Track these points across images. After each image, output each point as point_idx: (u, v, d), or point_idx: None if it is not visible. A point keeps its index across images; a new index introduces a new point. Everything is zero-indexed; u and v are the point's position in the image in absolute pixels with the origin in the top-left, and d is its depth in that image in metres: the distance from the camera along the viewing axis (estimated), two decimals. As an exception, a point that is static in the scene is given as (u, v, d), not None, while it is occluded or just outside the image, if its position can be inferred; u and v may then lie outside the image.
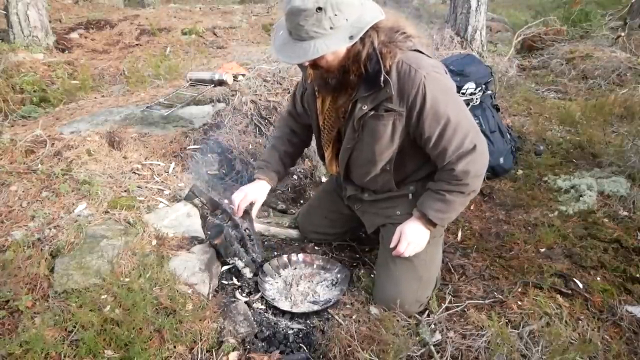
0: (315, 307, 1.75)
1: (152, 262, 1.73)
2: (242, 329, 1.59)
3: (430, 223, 1.66)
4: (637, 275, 1.90)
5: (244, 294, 1.80)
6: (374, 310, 1.71)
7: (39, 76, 4.08)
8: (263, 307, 1.76)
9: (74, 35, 5.80)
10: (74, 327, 1.45)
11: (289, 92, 3.11)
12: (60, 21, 6.42)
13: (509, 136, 2.88)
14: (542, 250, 2.09)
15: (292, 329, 1.66)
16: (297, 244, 2.17)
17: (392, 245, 1.71)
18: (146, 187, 2.22)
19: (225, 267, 1.90)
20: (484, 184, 2.47)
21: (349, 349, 1.50)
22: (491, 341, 1.51)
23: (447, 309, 1.71)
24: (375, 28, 1.42)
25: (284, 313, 1.73)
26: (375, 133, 1.58)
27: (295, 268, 1.98)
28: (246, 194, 1.88)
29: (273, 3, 8.10)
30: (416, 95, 1.47)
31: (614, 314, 1.69)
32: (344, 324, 1.62)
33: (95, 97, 3.62)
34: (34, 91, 3.74)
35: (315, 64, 1.48)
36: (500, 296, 1.78)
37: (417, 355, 1.51)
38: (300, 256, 2.03)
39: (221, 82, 3.20)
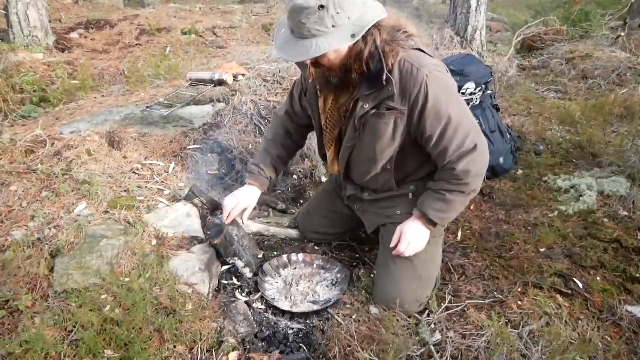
0: (315, 307, 1.75)
1: (152, 262, 1.73)
2: (242, 329, 1.59)
3: (430, 223, 1.66)
4: (637, 275, 1.90)
5: (244, 294, 1.80)
6: (374, 310, 1.71)
7: (39, 76, 4.08)
8: (263, 307, 1.76)
9: (74, 35, 5.80)
10: (74, 327, 1.45)
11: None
12: (60, 21, 6.42)
13: (509, 136, 2.87)
14: (542, 250, 2.09)
15: (292, 329, 1.66)
16: (297, 244, 2.17)
17: (392, 245, 1.71)
18: (146, 187, 2.22)
19: (225, 267, 1.90)
20: (484, 184, 2.47)
21: (349, 349, 1.50)
22: (491, 341, 1.51)
23: (447, 309, 1.71)
24: (377, 27, 1.42)
25: (284, 313, 1.73)
26: (377, 132, 1.58)
27: (295, 268, 1.98)
28: (238, 202, 1.88)
29: (273, 3, 8.10)
30: (418, 93, 1.47)
31: (614, 314, 1.69)
32: (344, 324, 1.62)
33: (95, 97, 3.62)
34: (34, 91, 3.74)
35: (317, 63, 1.48)
36: (500, 296, 1.78)
37: (417, 355, 1.51)
38: (300, 256, 2.02)
39: (221, 82, 3.20)
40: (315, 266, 1.99)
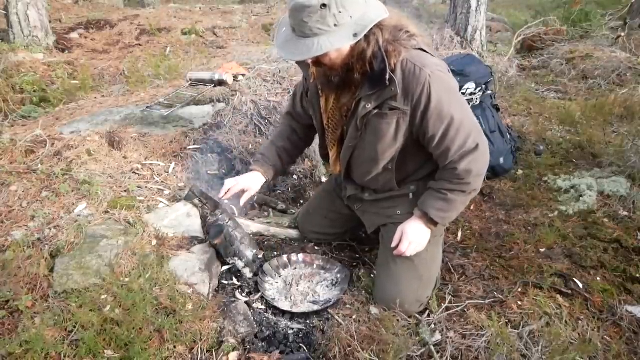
0: (315, 307, 1.75)
1: (152, 262, 1.73)
2: (242, 329, 1.59)
3: (431, 222, 1.66)
4: (637, 275, 1.90)
5: (244, 294, 1.80)
6: (374, 310, 1.71)
7: (39, 76, 4.08)
8: (263, 307, 1.76)
9: (74, 35, 5.80)
10: (74, 327, 1.45)
11: (289, 92, 3.11)
12: (60, 21, 6.42)
13: (509, 136, 2.87)
14: (542, 250, 2.09)
15: (292, 329, 1.66)
16: (297, 244, 2.17)
17: (393, 245, 1.71)
18: (146, 187, 2.22)
19: (225, 267, 1.90)
20: (484, 184, 2.47)
21: (349, 349, 1.50)
22: (491, 341, 1.51)
23: (447, 309, 1.71)
24: (379, 26, 1.42)
25: (284, 313, 1.73)
26: (379, 132, 1.58)
27: (295, 268, 1.98)
28: (238, 182, 1.88)
29: (273, 3, 8.10)
30: (421, 94, 1.47)
31: (614, 314, 1.69)
32: (344, 324, 1.62)
33: (95, 97, 3.62)
34: (34, 91, 3.74)
35: (318, 62, 1.47)
36: (500, 296, 1.78)
37: (417, 355, 1.51)
38: (300, 256, 2.02)
39: (221, 82, 3.20)
40: (315, 266, 1.99)
